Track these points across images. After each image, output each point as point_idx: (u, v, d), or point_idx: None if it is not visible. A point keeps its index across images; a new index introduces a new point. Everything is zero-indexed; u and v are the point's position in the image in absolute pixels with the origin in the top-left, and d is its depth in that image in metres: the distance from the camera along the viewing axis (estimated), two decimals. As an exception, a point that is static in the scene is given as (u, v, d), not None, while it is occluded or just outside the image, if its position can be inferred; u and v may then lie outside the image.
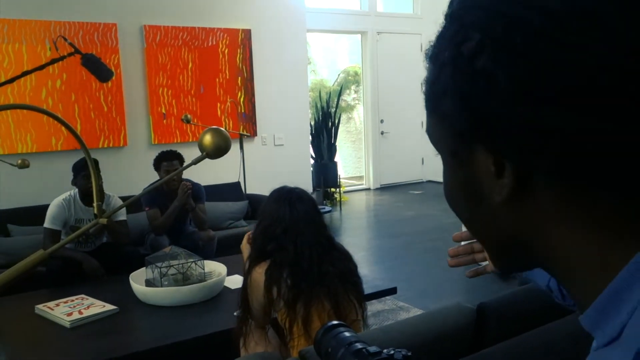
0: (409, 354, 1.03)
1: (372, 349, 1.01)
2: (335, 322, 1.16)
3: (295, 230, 2.03)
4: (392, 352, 1.02)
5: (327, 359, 1.11)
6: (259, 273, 2.00)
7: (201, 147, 1.53)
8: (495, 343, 1.78)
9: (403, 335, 1.73)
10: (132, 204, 4.06)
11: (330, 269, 2.01)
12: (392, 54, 8.99)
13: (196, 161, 1.51)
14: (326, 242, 2.09)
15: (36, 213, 4.40)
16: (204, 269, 3.27)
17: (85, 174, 3.65)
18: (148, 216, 4.10)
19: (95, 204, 1.20)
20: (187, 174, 4.20)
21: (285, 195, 2.14)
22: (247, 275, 2.07)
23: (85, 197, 3.68)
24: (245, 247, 2.44)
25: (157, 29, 5.71)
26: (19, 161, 4.13)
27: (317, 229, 2.10)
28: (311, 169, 7.37)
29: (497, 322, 1.87)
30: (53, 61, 2.71)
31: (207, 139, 1.52)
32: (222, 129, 1.56)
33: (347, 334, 1.12)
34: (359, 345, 1.05)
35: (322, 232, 2.11)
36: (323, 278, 1.98)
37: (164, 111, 5.82)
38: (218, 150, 1.54)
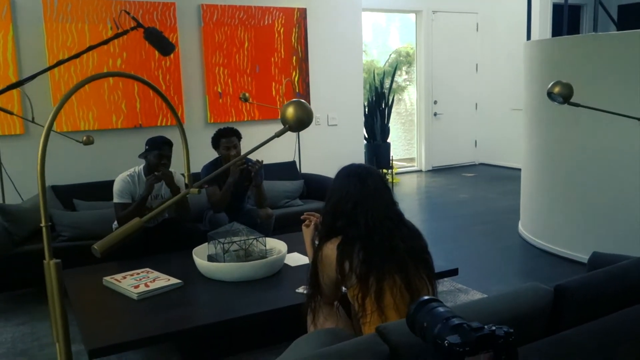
0: (511, 330, 1.00)
1: (474, 324, 0.99)
2: (427, 297, 1.14)
3: (365, 205, 2.02)
4: (493, 328, 0.99)
5: (421, 334, 1.09)
6: (331, 249, 2.00)
7: (284, 120, 1.52)
8: (573, 326, 1.73)
9: (479, 315, 1.70)
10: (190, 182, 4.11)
11: (401, 245, 1.99)
12: (447, 34, 8.82)
13: (279, 134, 1.50)
14: (396, 217, 2.07)
15: (98, 188, 4.53)
16: (265, 246, 3.30)
17: (158, 154, 3.73)
18: (207, 193, 4.15)
19: (186, 174, 1.21)
20: (241, 152, 4.22)
21: (355, 171, 2.13)
22: (317, 251, 2.07)
23: (150, 173, 3.74)
24: (305, 231, 2.48)
25: (214, 7, 5.74)
26: (84, 138, 4.26)
27: (387, 205, 2.08)
28: (364, 149, 7.33)
29: (576, 304, 1.82)
30: (117, 35, 2.71)
31: (290, 111, 1.51)
32: (304, 101, 1.55)
33: (441, 309, 1.10)
34: (457, 321, 1.03)
35: (391, 207, 2.09)
36: (393, 253, 1.96)
37: (220, 90, 5.87)
38: (300, 123, 1.53)
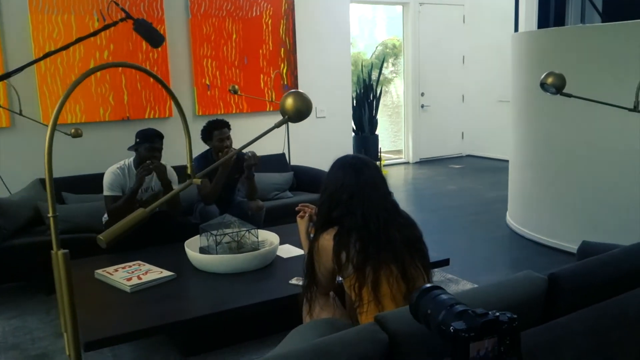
0: (515, 316, 1.02)
1: (479, 310, 1.00)
2: (429, 285, 1.16)
3: (361, 196, 2.03)
4: (497, 314, 1.01)
5: (425, 321, 1.11)
6: (327, 239, 2.01)
7: (283, 111, 1.52)
8: (567, 313, 1.76)
9: (476, 304, 1.71)
10: (180, 174, 4.09)
11: (397, 235, 2.00)
12: (434, 26, 8.84)
13: (278, 125, 1.50)
14: (392, 208, 2.09)
15: (88, 181, 4.50)
16: (257, 238, 3.30)
17: (150, 146, 3.71)
18: (198, 186, 4.14)
19: (188, 165, 1.21)
20: (233, 145, 4.21)
21: (350, 162, 2.13)
22: (313, 242, 2.07)
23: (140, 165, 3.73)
24: (300, 222, 2.48)
25: (201, -1, 5.71)
26: (73, 130, 4.22)
27: (383, 195, 2.09)
28: (352, 141, 7.34)
29: (570, 292, 1.84)
30: (106, 27, 2.69)
31: (289, 102, 1.51)
32: (303, 92, 1.55)
33: (444, 296, 1.11)
34: (461, 307, 1.04)
35: (387, 198, 2.11)
36: (389, 243, 1.97)
37: (208, 82, 5.84)
38: (299, 114, 1.53)
